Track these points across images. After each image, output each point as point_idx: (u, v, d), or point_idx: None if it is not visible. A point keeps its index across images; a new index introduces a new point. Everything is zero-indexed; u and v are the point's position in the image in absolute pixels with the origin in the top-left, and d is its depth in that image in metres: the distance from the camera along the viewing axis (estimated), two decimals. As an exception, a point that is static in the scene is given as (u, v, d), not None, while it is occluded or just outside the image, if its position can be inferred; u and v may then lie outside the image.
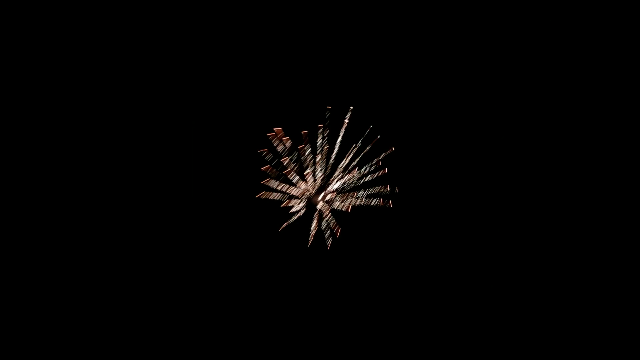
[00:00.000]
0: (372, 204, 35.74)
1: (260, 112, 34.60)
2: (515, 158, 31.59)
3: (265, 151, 34.68)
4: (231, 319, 32.88)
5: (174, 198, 33.18)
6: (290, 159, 35.88)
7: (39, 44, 30.17)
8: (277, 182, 35.60)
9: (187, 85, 33.32)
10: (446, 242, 32.71)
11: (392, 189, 35.38)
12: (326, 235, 36.02)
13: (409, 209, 34.19)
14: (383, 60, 34.15)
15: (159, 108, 32.89)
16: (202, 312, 32.52)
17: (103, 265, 31.63)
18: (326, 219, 36.90)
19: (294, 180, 36.51)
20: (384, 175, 36.15)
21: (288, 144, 35.68)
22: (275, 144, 35.26)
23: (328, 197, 36.90)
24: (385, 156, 35.84)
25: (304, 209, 36.87)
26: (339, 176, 36.75)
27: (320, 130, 35.54)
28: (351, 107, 34.84)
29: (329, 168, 36.68)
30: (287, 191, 36.59)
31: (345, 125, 35.90)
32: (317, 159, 36.05)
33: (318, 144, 35.96)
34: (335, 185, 36.66)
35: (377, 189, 36.26)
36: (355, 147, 36.14)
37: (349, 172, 36.55)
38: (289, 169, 35.82)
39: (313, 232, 36.33)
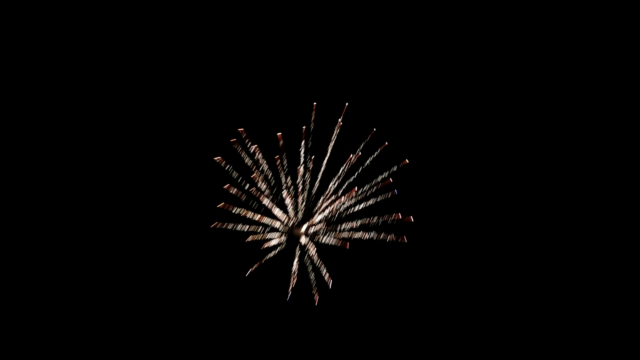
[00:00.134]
0: (378, 238, 30.44)
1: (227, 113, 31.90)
2: (517, 169, 30.81)
3: (223, 163, 30.58)
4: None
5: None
6: (262, 175, 31.10)
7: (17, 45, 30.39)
8: (243, 209, 30.90)
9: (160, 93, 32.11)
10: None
11: (402, 217, 30.28)
12: (313, 284, 30.85)
13: (423, 248, 31.04)
14: (375, 61, 32.29)
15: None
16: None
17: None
18: (312, 259, 31.45)
19: (268, 206, 31.49)
20: (391, 196, 30.77)
21: (259, 155, 30.89)
22: (240, 152, 30.61)
23: (315, 229, 31.76)
24: (393, 172, 30.94)
25: (282, 245, 31.87)
26: (330, 198, 31.40)
27: (304, 136, 30.74)
28: (346, 104, 30.72)
29: (316, 188, 31.45)
30: (258, 220, 31.48)
31: (337, 128, 30.99)
32: (300, 176, 31.22)
33: (302, 154, 31.07)
34: (324, 211, 31.59)
35: (378, 215, 30.89)
36: (351, 158, 30.86)
37: (343, 192, 31.27)
38: (259, 188, 31.14)
39: (294, 280, 31.02)
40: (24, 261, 29.92)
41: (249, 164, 30.90)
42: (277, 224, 31.74)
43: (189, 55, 31.99)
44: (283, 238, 31.79)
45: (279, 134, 30.43)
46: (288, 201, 31.53)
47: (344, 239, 30.89)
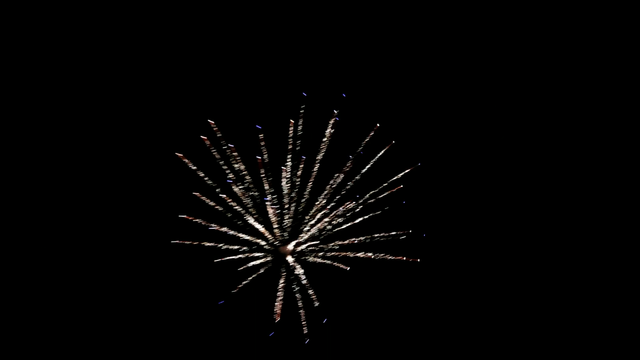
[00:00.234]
0: (383, 257, 27.34)
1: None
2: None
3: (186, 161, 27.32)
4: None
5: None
6: (240, 184, 27.50)
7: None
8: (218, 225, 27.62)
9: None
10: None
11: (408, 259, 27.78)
12: (301, 315, 27.09)
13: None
14: (368, 62, 30.14)
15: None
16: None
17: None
18: (301, 282, 27.56)
19: (248, 220, 27.74)
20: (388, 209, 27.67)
21: (236, 160, 27.44)
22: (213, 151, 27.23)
23: (303, 247, 28.04)
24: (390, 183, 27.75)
25: (266, 267, 28.04)
26: (322, 211, 27.68)
27: (291, 138, 27.33)
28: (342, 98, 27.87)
29: (305, 197, 27.74)
30: (238, 236, 27.76)
31: (330, 128, 27.45)
32: (285, 183, 27.55)
33: (288, 161, 27.44)
34: (314, 226, 27.95)
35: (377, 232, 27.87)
36: (351, 160, 27.51)
37: (337, 205, 27.78)
38: (235, 196, 27.66)
39: (279, 308, 27.23)
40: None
41: (226, 168, 26.76)
42: (260, 241, 28.43)
43: (173, 56, 29.93)
44: (267, 257, 27.79)
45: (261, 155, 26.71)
46: (271, 213, 28.20)
47: (336, 258, 26.74)
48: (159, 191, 28.05)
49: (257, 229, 27.82)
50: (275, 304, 27.13)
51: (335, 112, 27.47)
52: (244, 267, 27.37)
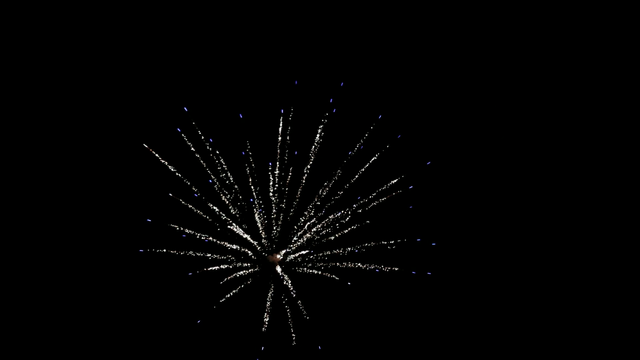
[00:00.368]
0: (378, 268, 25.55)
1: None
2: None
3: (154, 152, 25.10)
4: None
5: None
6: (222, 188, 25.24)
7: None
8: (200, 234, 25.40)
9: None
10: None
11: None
12: (291, 325, 25.21)
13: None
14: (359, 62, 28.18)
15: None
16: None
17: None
18: (290, 293, 25.67)
19: (232, 226, 25.59)
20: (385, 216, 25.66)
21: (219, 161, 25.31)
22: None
23: (294, 255, 25.91)
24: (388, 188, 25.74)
25: (252, 278, 25.96)
26: (314, 217, 25.60)
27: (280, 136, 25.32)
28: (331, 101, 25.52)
29: (296, 201, 25.64)
30: (216, 243, 25.54)
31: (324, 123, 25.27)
32: (273, 184, 25.41)
33: (277, 162, 25.36)
34: (306, 233, 25.85)
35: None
36: (350, 157, 25.60)
37: (331, 211, 25.73)
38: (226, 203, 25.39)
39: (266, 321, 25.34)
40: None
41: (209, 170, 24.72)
42: (245, 249, 26.37)
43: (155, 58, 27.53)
44: (253, 267, 25.77)
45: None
46: (258, 218, 26.00)
47: (329, 268, 24.87)
48: (124, 191, 25.70)
49: (242, 235, 25.86)
50: (264, 318, 25.20)
51: (331, 100, 25.55)
52: (226, 279, 25.36)
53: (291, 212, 25.66)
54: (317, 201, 25.55)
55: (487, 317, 27.30)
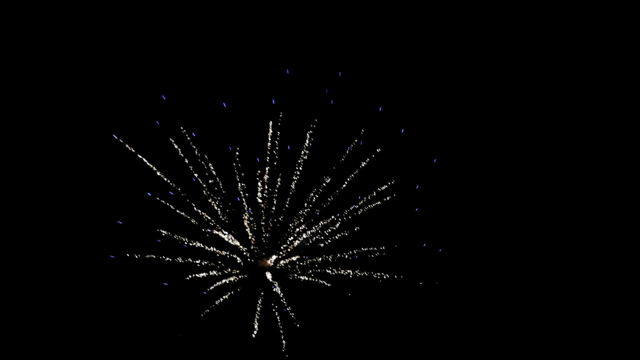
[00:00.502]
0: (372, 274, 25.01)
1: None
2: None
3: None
4: None
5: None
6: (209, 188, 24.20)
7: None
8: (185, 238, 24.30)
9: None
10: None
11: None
12: (281, 333, 24.53)
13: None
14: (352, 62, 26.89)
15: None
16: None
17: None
18: (281, 300, 24.96)
19: (218, 230, 24.74)
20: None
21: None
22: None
23: (285, 261, 25.24)
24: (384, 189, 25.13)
25: (241, 285, 25.13)
26: (304, 220, 24.81)
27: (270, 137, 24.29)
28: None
29: (287, 204, 24.79)
30: (202, 248, 24.63)
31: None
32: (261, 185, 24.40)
33: (266, 160, 24.30)
34: (299, 236, 25.01)
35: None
36: (348, 151, 24.86)
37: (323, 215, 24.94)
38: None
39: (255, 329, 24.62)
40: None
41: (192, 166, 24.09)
42: (234, 255, 25.38)
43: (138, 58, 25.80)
44: (243, 274, 25.06)
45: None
46: (247, 222, 25.11)
47: (321, 274, 24.65)
48: (94, 191, 24.20)
49: (229, 240, 25.31)
50: (254, 325, 24.70)
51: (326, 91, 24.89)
52: (213, 286, 24.72)
53: (281, 216, 25.16)
54: (309, 205, 25.02)
55: (490, 331, 27.02)
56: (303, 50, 25.39)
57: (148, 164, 23.84)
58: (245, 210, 24.63)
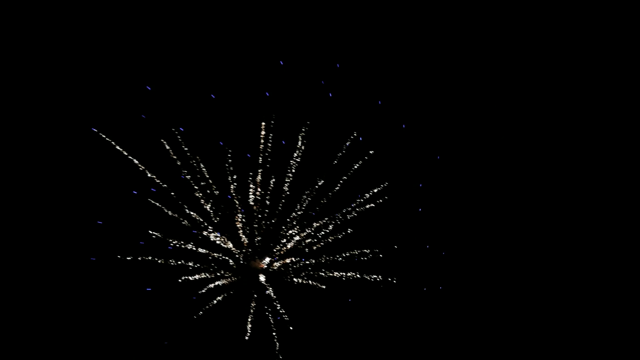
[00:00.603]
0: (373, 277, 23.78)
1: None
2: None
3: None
4: None
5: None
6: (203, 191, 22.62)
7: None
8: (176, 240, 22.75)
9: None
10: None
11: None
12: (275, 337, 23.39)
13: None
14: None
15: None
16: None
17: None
18: (274, 303, 23.72)
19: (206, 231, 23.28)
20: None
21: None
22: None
23: (279, 264, 23.97)
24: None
25: (233, 288, 23.78)
26: (299, 221, 23.45)
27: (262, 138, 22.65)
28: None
29: (283, 199, 23.40)
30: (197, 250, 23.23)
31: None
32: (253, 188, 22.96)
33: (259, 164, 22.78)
34: (293, 237, 23.72)
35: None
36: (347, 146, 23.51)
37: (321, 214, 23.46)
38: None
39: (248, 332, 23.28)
40: None
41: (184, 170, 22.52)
42: (226, 257, 24.11)
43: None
44: (235, 275, 23.75)
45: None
46: (239, 222, 23.71)
47: (318, 277, 23.34)
48: (75, 190, 22.70)
49: (220, 240, 23.92)
50: (247, 329, 23.60)
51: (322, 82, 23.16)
52: (205, 289, 23.48)
53: (274, 219, 23.80)
54: (304, 204, 23.78)
55: (497, 340, 25.99)
56: (298, 40, 23.65)
57: (132, 159, 22.35)
58: (237, 210, 23.32)
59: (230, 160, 22.66)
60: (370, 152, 23.22)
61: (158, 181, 22.59)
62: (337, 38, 23.71)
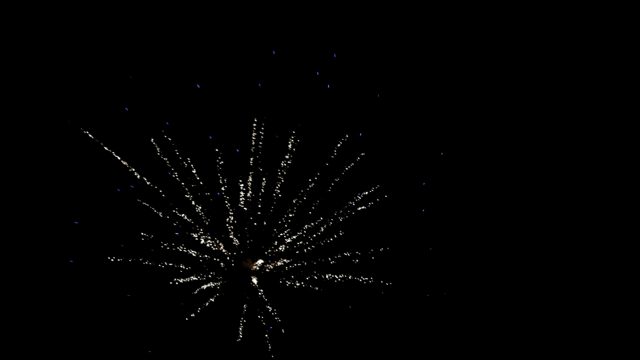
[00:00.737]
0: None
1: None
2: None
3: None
4: None
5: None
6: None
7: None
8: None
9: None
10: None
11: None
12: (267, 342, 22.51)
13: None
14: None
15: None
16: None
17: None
18: (267, 306, 22.71)
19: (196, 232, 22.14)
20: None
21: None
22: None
23: (273, 265, 22.89)
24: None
25: (224, 290, 22.72)
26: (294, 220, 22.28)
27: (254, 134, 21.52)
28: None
29: (275, 200, 22.25)
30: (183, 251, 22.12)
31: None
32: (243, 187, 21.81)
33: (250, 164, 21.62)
34: (284, 240, 22.59)
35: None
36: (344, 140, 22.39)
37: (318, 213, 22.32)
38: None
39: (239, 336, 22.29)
40: None
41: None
42: (217, 258, 23.03)
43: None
44: (226, 276, 22.73)
45: None
46: (229, 223, 22.61)
47: (312, 279, 22.34)
48: (53, 189, 21.52)
49: (213, 244, 22.82)
50: (238, 333, 22.51)
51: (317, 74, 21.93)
52: (195, 292, 22.35)
53: (267, 218, 22.75)
54: (299, 201, 22.66)
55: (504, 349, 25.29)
56: (291, 28, 22.22)
57: (114, 154, 21.25)
58: (229, 211, 22.22)
59: (219, 156, 21.63)
60: (362, 154, 22.10)
61: (142, 177, 21.55)
62: (333, 27, 22.53)
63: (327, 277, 22.63)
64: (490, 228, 24.97)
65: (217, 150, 21.23)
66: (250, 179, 21.75)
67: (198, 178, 21.80)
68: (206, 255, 22.34)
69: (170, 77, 21.61)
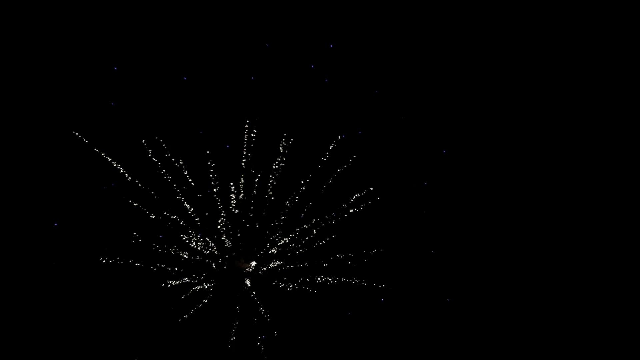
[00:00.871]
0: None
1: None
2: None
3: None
4: None
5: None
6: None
7: None
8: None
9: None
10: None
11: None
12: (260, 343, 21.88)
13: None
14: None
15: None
16: None
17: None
18: (259, 310, 22.10)
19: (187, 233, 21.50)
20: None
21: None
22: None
23: (266, 267, 22.29)
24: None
25: (215, 293, 21.88)
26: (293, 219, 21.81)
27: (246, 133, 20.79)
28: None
29: (269, 200, 21.74)
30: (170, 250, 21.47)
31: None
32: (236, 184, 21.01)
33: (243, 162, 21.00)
34: (278, 242, 21.99)
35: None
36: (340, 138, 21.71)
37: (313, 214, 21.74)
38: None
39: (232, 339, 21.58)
40: None
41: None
42: (208, 259, 22.45)
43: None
44: (218, 278, 22.20)
45: None
46: (222, 219, 21.95)
47: (307, 282, 21.89)
48: (34, 189, 20.69)
49: (201, 242, 22.30)
50: (230, 337, 22.09)
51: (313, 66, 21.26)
52: (185, 295, 21.84)
53: (261, 216, 22.21)
54: (293, 201, 22.18)
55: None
56: (285, 19, 21.43)
57: (101, 153, 20.62)
58: (221, 212, 21.67)
59: (210, 154, 21.03)
60: (354, 156, 21.56)
61: (139, 184, 20.96)
62: (329, 22, 21.89)
63: (320, 279, 22.21)
64: (490, 228, 24.37)
65: (207, 152, 20.68)
66: (242, 180, 21.19)
67: (190, 179, 21.24)
68: (198, 257, 21.83)
69: (161, 76, 20.95)
